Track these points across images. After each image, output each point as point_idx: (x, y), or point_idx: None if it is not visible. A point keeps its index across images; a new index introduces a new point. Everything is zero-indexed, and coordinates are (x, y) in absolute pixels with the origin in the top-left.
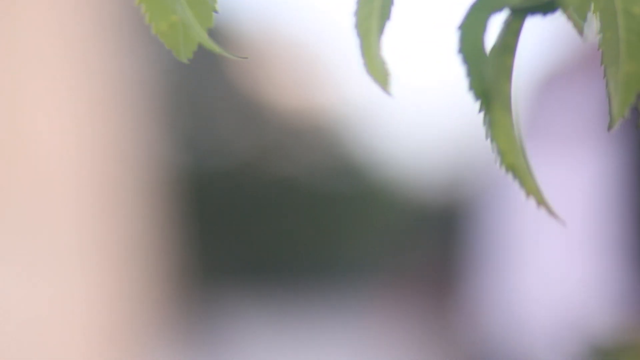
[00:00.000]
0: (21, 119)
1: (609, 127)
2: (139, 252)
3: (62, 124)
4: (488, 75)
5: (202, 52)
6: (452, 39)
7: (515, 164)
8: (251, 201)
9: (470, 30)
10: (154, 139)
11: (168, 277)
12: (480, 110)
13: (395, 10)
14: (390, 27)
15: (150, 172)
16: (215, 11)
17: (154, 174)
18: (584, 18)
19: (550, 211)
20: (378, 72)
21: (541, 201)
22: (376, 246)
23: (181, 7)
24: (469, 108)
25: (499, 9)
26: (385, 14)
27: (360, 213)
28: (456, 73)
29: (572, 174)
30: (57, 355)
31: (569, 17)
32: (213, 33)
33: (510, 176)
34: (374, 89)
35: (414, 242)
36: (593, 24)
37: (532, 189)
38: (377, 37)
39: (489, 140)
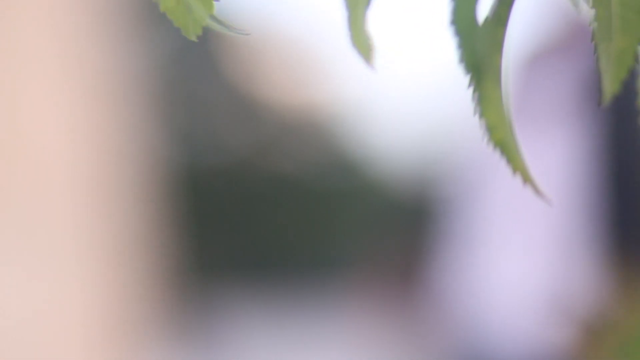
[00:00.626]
0: (17, 117)
1: (601, 103)
2: (136, 250)
3: (58, 122)
4: (480, 48)
5: (199, 50)
6: (444, 10)
7: (504, 140)
8: (247, 197)
9: (463, 1)
10: (150, 136)
11: (165, 274)
12: (469, 85)
13: None
14: (378, 1)
15: (147, 170)
16: None
17: (150, 171)
18: None
19: (536, 190)
20: (362, 45)
21: (528, 179)
22: (371, 241)
23: None
24: (457, 97)
25: None
26: None
27: (355, 209)
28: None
29: (550, 154)
30: (55, 353)
31: None
32: (207, 28)
33: (497, 153)
34: (370, 84)
35: (407, 237)
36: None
37: (519, 167)
38: (364, 10)
39: (477, 115)
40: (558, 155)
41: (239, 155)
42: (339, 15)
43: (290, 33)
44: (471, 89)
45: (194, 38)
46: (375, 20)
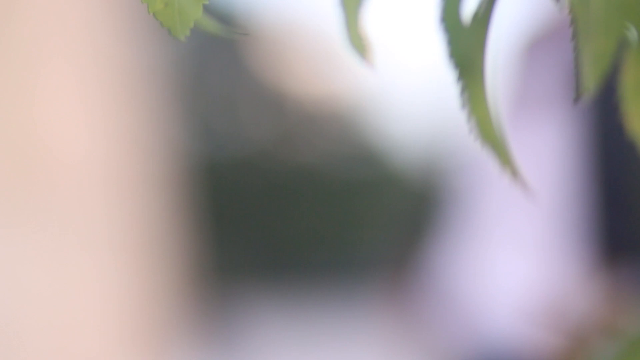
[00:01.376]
0: (40, 115)
1: (576, 100)
2: (157, 247)
3: (82, 118)
4: (467, 44)
5: (221, 42)
6: (433, 8)
7: (490, 135)
8: (270, 188)
9: (451, 0)
10: (172, 129)
11: (186, 270)
12: (457, 80)
13: None
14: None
15: (169, 163)
16: None
17: (173, 164)
18: None
19: (523, 184)
20: (359, 44)
21: (515, 174)
22: (394, 233)
23: None
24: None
25: None
26: None
27: (378, 199)
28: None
29: (542, 146)
30: (78, 351)
31: None
32: (229, 21)
33: (485, 147)
34: (388, 76)
35: (430, 228)
36: None
37: (506, 161)
38: (358, 10)
39: (464, 111)
40: (549, 147)
41: (261, 147)
42: (335, 14)
43: (312, 24)
44: (459, 85)
45: (182, 39)
46: (371, 18)
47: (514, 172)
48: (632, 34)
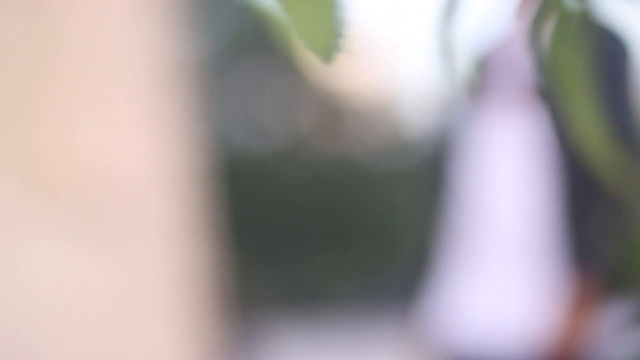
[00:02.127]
0: (77, 122)
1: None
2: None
3: (123, 123)
4: (563, 62)
5: (256, 36)
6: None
7: (589, 137)
8: (307, 181)
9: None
10: (206, 121)
11: (216, 280)
12: (557, 96)
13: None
14: (462, 16)
15: (205, 157)
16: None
17: (207, 162)
18: None
19: (611, 182)
20: (445, 52)
21: (604, 174)
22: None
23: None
24: None
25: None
26: (457, 5)
27: (409, 194)
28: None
29: (519, 136)
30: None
31: None
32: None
33: (582, 146)
34: (430, 69)
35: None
36: None
37: (596, 161)
38: (451, 25)
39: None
40: (519, 143)
41: (298, 140)
42: (396, 1)
43: (351, 19)
44: (560, 95)
45: (326, 61)
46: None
47: (605, 172)
48: None
